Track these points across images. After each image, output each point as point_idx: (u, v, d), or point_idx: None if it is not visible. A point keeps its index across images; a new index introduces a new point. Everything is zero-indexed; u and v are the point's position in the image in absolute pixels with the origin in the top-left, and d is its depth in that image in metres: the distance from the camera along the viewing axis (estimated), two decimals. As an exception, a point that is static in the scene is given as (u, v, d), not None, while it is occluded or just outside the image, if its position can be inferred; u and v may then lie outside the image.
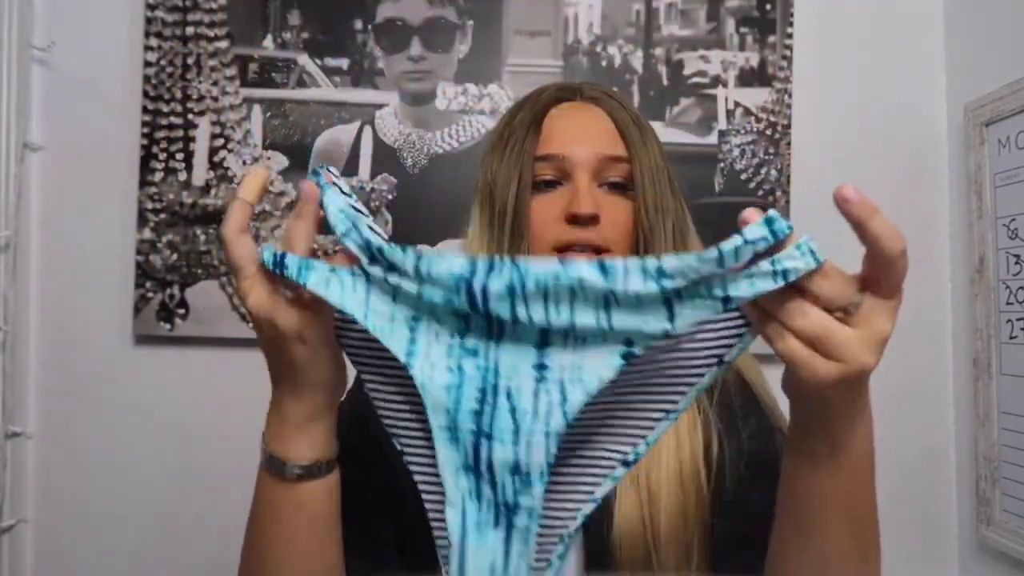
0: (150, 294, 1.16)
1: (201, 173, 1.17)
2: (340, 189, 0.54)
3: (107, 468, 1.17)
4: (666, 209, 0.71)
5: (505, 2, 1.19)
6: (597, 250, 0.69)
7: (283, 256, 0.51)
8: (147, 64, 1.17)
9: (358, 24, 1.19)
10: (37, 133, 1.18)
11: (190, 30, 1.18)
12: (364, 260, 0.51)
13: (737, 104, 1.19)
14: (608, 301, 0.45)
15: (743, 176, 1.18)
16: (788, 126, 1.18)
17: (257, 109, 1.18)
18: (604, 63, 1.19)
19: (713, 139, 1.18)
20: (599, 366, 0.47)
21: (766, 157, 1.18)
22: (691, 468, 0.66)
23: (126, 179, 1.18)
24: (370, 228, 0.51)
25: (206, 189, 1.17)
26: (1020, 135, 1.01)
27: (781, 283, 0.43)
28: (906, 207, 1.20)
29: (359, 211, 0.53)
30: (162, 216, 1.17)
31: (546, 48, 1.20)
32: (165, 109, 1.17)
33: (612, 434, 0.51)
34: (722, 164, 1.18)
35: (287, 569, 0.60)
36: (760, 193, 1.18)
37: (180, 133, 1.17)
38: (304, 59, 1.19)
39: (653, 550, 0.64)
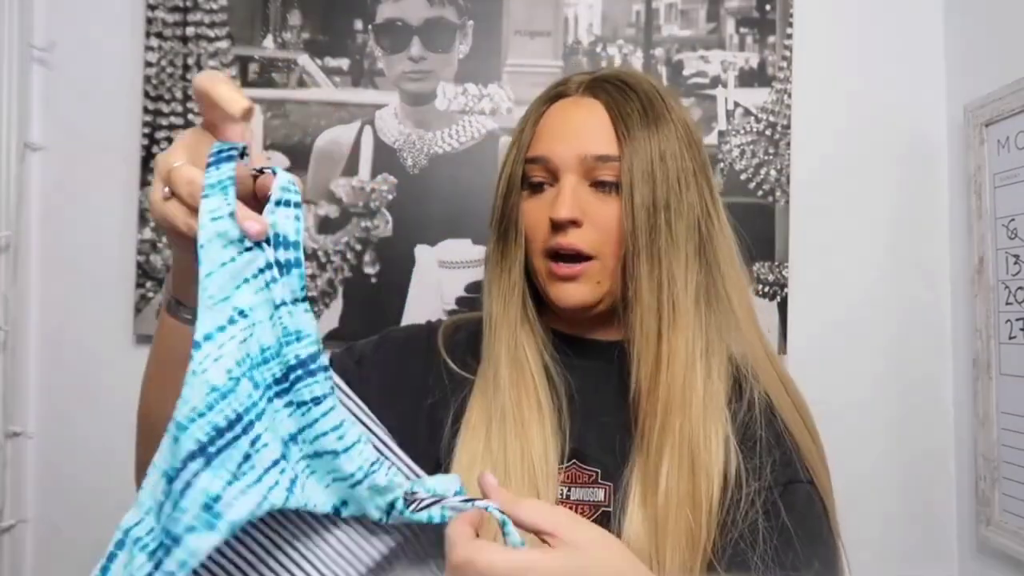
0: (150, 294, 1.16)
1: (201, 173, 1.17)
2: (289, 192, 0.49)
3: (107, 468, 1.17)
4: (675, 206, 0.66)
5: (505, 2, 1.19)
6: (580, 254, 0.67)
7: (229, 156, 0.47)
8: (147, 64, 1.17)
9: (358, 24, 1.19)
10: (37, 133, 1.18)
11: (190, 30, 1.18)
12: (270, 234, 0.47)
13: (737, 104, 1.19)
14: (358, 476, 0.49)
15: (743, 176, 1.18)
16: (788, 126, 1.18)
17: (257, 109, 1.18)
18: (604, 63, 1.19)
19: (713, 139, 1.18)
20: (317, 497, 0.49)
21: (766, 157, 1.18)
22: (705, 494, 0.62)
23: (126, 179, 1.18)
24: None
25: (206, 189, 1.17)
26: (1020, 135, 1.01)
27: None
28: (906, 207, 1.20)
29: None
30: (162, 216, 1.17)
31: (546, 48, 1.20)
32: (165, 109, 1.17)
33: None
34: (722, 164, 1.18)
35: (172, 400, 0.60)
36: (760, 193, 1.18)
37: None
38: (304, 59, 1.19)
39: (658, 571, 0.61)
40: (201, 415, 0.43)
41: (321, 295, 1.17)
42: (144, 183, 1.17)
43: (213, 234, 0.45)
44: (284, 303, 0.47)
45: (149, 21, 1.17)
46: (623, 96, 0.69)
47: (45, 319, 1.19)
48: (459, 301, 1.17)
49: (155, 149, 1.17)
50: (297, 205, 0.48)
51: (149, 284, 1.16)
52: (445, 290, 1.17)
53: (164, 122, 1.17)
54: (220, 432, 0.44)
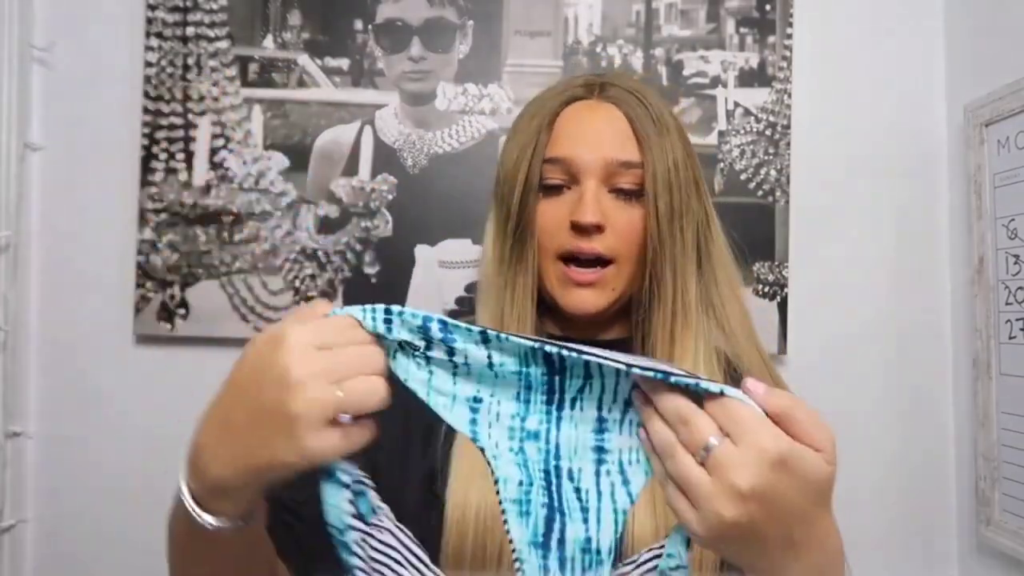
0: (150, 294, 1.16)
1: (201, 173, 1.17)
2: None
3: (107, 468, 1.17)
4: (685, 214, 0.69)
5: (505, 2, 1.19)
6: (600, 259, 0.68)
7: (389, 328, 0.50)
8: (147, 64, 1.17)
9: (358, 24, 1.19)
10: (37, 133, 1.18)
11: (190, 30, 1.18)
12: (421, 345, 0.50)
13: (737, 104, 1.19)
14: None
15: (743, 176, 1.18)
16: (788, 126, 1.18)
17: (257, 109, 1.18)
18: (604, 63, 1.19)
19: (713, 139, 1.18)
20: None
21: (766, 157, 1.18)
22: None
23: (126, 179, 1.18)
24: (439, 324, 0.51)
25: (206, 189, 1.17)
26: (1020, 135, 1.01)
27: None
28: (906, 207, 1.20)
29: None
30: (162, 216, 1.17)
31: (546, 48, 1.20)
32: (165, 109, 1.17)
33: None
34: (722, 164, 1.18)
35: None
36: (760, 194, 1.18)
37: (180, 133, 1.17)
38: (304, 59, 1.19)
39: None
40: (532, 483, 0.51)
41: (321, 296, 1.17)
42: (144, 183, 1.17)
43: (410, 376, 0.51)
44: (492, 362, 0.50)
45: (149, 21, 1.17)
46: (639, 104, 0.71)
47: (45, 319, 1.19)
48: (459, 301, 1.17)
49: (155, 149, 1.17)
50: (388, 313, 0.49)
51: (149, 284, 1.16)
52: (445, 290, 1.17)
53: (164, 122, 1.17)
54: (549, 487, 0.51)
